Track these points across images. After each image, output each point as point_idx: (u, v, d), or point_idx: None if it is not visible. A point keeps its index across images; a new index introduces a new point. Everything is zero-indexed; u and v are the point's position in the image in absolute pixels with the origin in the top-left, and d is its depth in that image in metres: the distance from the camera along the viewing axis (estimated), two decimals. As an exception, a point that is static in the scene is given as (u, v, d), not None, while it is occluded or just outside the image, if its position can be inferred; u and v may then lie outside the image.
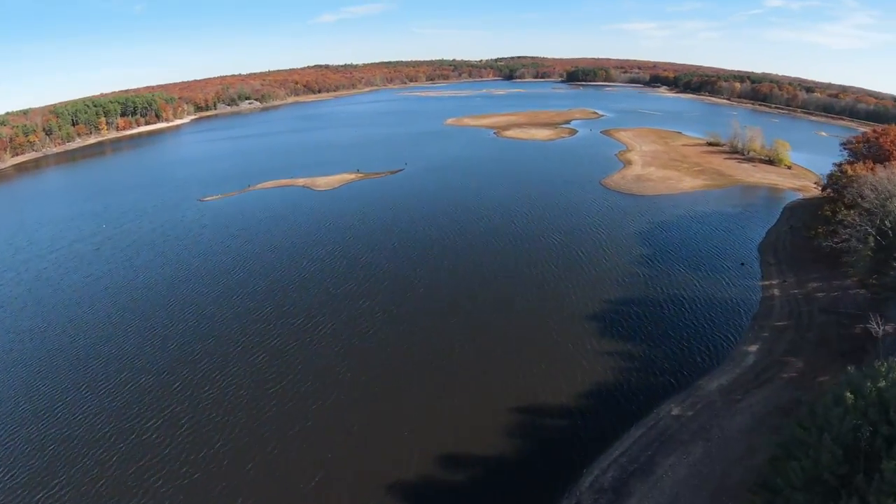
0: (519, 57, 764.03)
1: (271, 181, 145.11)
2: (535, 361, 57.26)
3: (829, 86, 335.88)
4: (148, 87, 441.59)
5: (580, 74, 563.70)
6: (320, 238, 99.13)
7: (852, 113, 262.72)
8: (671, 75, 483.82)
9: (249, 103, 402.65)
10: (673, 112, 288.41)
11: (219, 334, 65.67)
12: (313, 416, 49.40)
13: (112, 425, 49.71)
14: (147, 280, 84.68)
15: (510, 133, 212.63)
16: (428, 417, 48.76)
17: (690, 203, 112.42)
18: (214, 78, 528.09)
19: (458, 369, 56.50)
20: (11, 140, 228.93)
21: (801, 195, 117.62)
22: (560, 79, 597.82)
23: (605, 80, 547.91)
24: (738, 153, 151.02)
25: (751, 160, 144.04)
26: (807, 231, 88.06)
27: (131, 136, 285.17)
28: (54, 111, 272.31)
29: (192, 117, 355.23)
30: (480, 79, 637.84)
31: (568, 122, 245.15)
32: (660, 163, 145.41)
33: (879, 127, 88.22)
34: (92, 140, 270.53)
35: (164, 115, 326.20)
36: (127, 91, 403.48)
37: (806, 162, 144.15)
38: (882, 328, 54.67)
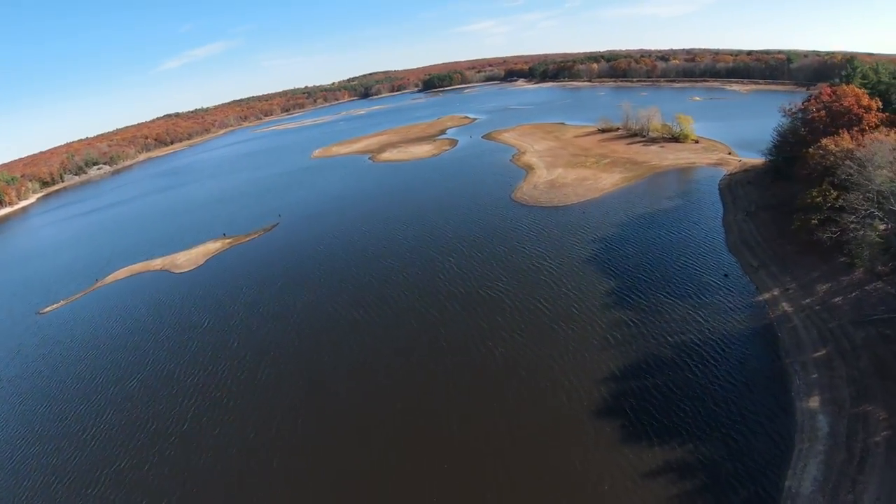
0: (371, 73, 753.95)
1: (124, 268, 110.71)
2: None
3: (678, 52, 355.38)
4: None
5: (436, 81, 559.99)
6: (181, 351, 69.72)
7: (713, 73, 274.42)
8: (525, 67, 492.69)
9: (98, 168, 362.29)
10: (543, 103, 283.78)
11: None
12: None
13: None
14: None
15: (387, 155, 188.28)
16: None
17: (621, 205, 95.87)
18: (60, 146, 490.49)
19: None
20: None
21: (724, 170, 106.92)
22: (417, 89, 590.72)
23: (461, 83, 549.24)
24: (639, 135, 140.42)
25: (654, 141, 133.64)
26: (784, 222, 73.84)
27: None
28: None
29: (39, 195, 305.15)
30: (337, 102, 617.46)
31: (443, 132, 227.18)
32: (564, 162, 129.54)
33: (828, 88, 76.75)
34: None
35: (6, 198, 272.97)
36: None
37: (703, 131, 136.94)
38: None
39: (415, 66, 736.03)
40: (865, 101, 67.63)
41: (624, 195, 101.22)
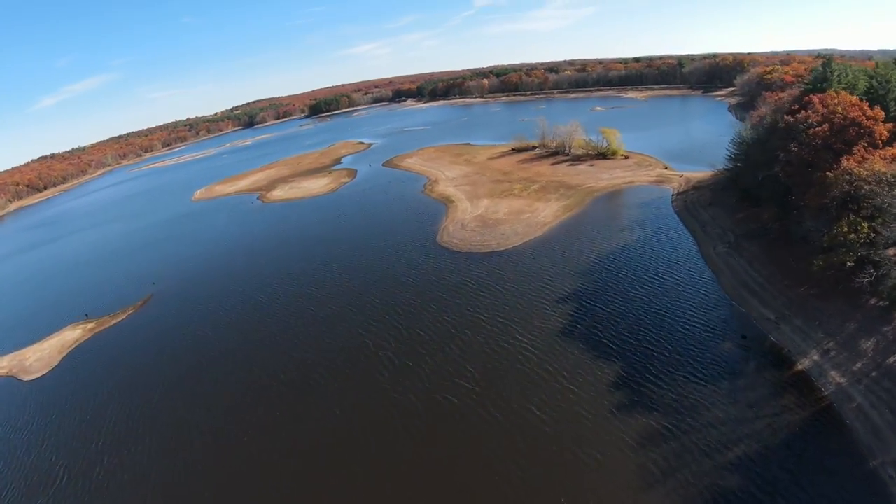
0: (255, 101, 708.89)
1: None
2: None
3: (564, 63, 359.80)
4: None
5: (323, 106, 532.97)
6: None
7: (606, 82, 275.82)
8: (413, 87, 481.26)
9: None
10: (439, 123, 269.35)
11: None
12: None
13: None
14: None
15: (279, 193, 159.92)
16: None
17: (573, 242, 79.35)
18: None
19: None
20: None
21: (668, 188, 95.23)
22: (303, 115, 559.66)
23: (349, 107, 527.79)
24: (560, 153, 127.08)
25: (580, 159, 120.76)
26: (781, 255, 60.57)
27: None
28: None
29: None
30: (221, 133, 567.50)
31: (338, 161, 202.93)
32: (486, 190, 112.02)
33: (817, 97, 64.82)
34: None
35: None
36: None
37: (625, 143, 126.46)
38: None
39: (300, 92, 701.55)
40: (870, 110, 56.46)
41: (571, 228, 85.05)
